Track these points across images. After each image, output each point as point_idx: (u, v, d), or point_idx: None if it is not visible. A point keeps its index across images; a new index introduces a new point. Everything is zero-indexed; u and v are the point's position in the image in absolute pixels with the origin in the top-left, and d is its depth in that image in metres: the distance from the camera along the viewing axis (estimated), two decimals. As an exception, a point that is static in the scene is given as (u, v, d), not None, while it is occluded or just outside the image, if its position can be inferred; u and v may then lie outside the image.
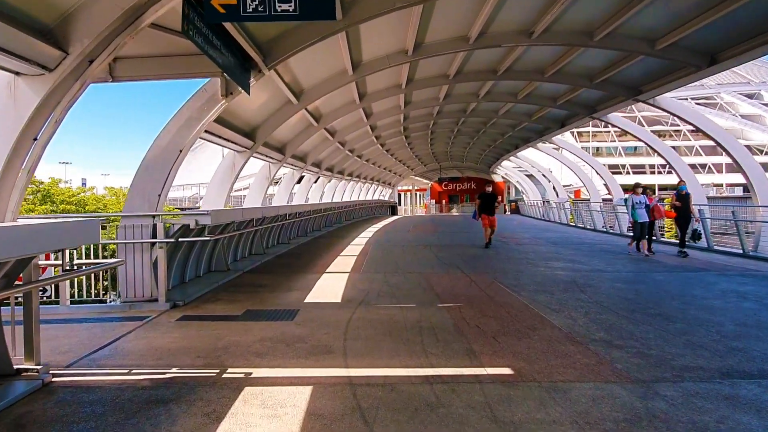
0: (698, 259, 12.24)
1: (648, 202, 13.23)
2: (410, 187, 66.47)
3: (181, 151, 7.20)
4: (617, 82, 15.05)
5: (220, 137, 10.42)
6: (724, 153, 16.75)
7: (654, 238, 14.94)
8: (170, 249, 7.84)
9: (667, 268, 10.68)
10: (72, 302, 7.28)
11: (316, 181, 28.17)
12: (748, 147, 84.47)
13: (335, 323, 6.19)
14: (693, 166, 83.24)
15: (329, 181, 28.70)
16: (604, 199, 24.51)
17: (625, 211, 20.24)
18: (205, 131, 8.40)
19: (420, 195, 70.78)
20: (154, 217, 7.06)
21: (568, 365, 4.63)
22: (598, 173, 24.28)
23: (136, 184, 7.16)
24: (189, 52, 6.87)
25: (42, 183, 28.66)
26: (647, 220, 13.14)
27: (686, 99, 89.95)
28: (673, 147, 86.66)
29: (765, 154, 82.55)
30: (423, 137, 29.47)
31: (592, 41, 11.17)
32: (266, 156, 14.82)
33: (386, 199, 51.70)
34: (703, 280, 9.32)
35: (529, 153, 34.03)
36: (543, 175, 35.28)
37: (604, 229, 21.79)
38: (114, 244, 7.36)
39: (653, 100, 15.45)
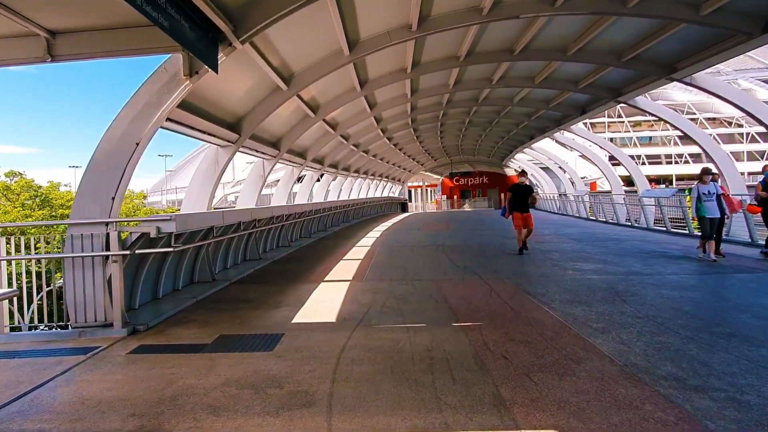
0: None
1: (721, 192, 10.80)
2: (420, 183, 65.08)
3: (137, 143, 5.95)
4: (649, 59, 13.46)
5: (193, 128, 9.13)
6: (746, 140, 15.33)
7: (725, 236, 12.83)
8: (133, 262, 6.63)
9: (716, 269, 9.28)
10: (12, 329, 6.09)
11: (319, 179, 26.93)
12: (766, 134, 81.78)
13: (324, 354, 4.92)
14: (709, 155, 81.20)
15: (334, 179, 27.52)
16: (626, 191, 23.01)
17: (652, 203, 18.83)
18: (171, 121, 7.21)
19: (431, 191, 69.38)
20: (107, 224, 5.84)
21: (636, 424, 3.32)
22: (623, 165, 22.73)
23: (85, 185, 5.92)
24: (142, 23, 5.63)
25: (41, 188, 27.75)
26: (717, 215, 10.53)
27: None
28: (689, 136, 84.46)
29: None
30: (432, 130, 28.11)
31: (626, 8, 9.87)
32: (257, 151, 13.47)
33: (396, 195, 50.39)
34: (765, 283, 7.93)
35: (544, 144, 32.54)
36: (559, 167, 33.74)
37: (629, 223, 20.31)
38: (58, 258, 6.15)
39: (690, 78, 13.65)
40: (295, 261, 12.26)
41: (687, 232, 15.45)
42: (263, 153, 13.86)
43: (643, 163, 78.39)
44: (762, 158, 77.77)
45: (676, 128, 17.08)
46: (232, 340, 5.53)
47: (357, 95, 14.69)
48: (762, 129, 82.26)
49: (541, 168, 38.67)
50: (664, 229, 16.99)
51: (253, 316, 6.58)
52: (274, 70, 10.11)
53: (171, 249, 6.36)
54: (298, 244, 15.73)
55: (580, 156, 43.48)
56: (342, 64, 11.09)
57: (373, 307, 6.93)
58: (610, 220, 22.45)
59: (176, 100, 6.16)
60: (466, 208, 54.03)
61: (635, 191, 28.79)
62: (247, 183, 14.59)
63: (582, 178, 47.56)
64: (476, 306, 6.81)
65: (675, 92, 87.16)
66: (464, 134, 29.29)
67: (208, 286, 8.55)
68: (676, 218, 16.77)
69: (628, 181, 72.02)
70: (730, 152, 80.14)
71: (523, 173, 13.46)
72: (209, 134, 9.95)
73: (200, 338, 5.60)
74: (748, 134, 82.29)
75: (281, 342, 5.38)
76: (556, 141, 27.54)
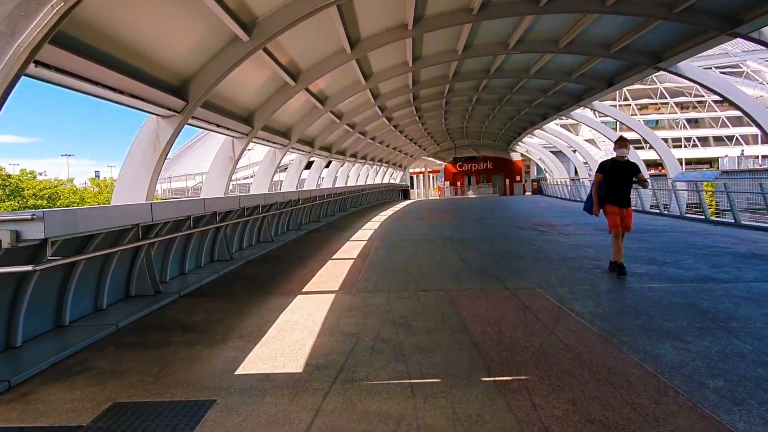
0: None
1: None
2: (423, 169, 62.86)
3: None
4: (636, 50, 13.50)
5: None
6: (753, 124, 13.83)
7: None
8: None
9: (810, 272, 7.17)
10: None
11: (327, 166, 25.28)
12: (778, 116, 79.76)
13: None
14: (719, 139, 78.97)
15: (342, 165, 25.73)
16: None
17: (685, 187, 16.66)
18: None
19: (433, 177, 67.24)
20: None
21: None
22: (654, 147, 20.50)
23: None
24: None
25: (10, 177, 25.63)
26: None
27: (711, 68, 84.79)
28: (696, 119, 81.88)
29: (797, 123, 77.54)
30: (437, 109, 26.10)
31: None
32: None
33: (397, 182, 48.22)
34: None
35: (557, 126, 30.29)
36: (573, 150, 31.49)
37: (656, 211, 18.15)
38: None
39: (675, 67, 12.89)
40: (273, 262, 10.14)
41: (734, 221, 13.29)
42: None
43: (651, 147, 76.02)
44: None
45: (715, 92, 14.79)
46: (128, 414, 3.41)
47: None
48: None
49: (552, 152, 36.40)
50: (702, 218, 14.83)
51: (182, 360, 4.45)
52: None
53: (31, 268, 4.08)
54: (283, 239, 13.60)
55: (586, 141, 41.26)
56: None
57: (362, 340, 4.81)
58: (634, 207, 20.28)
59: (44, 29, 3.94)
60: (470, 194, 51.89)
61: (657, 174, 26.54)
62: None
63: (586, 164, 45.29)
64: (511, 338, 4.69)
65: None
66: (470, 114, 27.05)
67: (144, 303, 6.43)
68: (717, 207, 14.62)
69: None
70: (740, 135, 78.10)
71: (621, 142, 7.79)
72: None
73: (78, 412, 3.48)
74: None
75: (204, 422, 3.27)
76: (575, 120, 25.33)
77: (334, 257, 10.39)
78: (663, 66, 11.87)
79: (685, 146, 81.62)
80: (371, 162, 32.95)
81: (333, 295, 6.82)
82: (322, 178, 28.07)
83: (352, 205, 27.96)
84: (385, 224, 17.98)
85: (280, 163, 16.08)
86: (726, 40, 11.88)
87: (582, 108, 22.81)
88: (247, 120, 12.46)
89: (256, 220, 12.40)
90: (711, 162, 72.27)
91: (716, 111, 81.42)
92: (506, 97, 20.46)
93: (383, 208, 28.85)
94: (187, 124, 9.38)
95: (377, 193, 36.06)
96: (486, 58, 14.80)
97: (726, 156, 60.25)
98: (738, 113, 67.70)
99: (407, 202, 39.21)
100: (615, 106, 78.12)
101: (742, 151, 65.18)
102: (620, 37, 11.46)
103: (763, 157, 64.67)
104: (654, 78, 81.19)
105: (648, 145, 20.15)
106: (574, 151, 31.89)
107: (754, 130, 77.65)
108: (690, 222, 14.83)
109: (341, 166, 29.18)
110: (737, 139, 77.03)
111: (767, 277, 6.90)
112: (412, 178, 66.15)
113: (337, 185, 27.75)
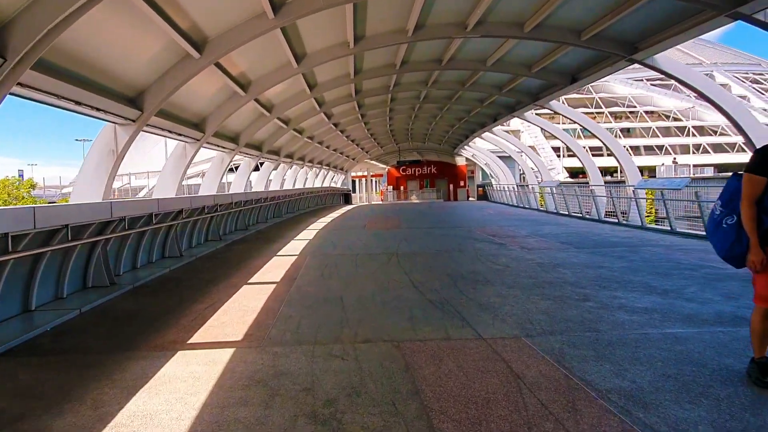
0: None
1: None
2: (365, 173, 60.90)
3: None
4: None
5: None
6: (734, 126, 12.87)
7: None
8: None
9: None
10: None
11: (276, 168, 23.53)
12: (701, 127, 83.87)
13: None
14: (649, 148, 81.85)
15: (290, 168, 23.87)
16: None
17: (646, 196, 15.56)
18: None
19: (376, 181, 65.49)
20: None
21: None
22: (578, 156, 19.56)
23: None
24: None
25: None
26: None
27: (642, 79, 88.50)
28: (628, 128, 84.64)
29: (719, 135, 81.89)
30: (381, 116, 25.61)
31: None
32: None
33: (338, 186, 46.02)
34: None
35: (505, 131, 29.14)
36: (520, 152, 30.43)
37: (615, 220, 16.99)
38: None
39: (651, 60, 11.78)
40: (166, 289, 7.77)
41: (706, 233, 12.07)
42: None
43: (609, 154, 77.43)
44: (698, 151, 78.95)
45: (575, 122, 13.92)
46: None
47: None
48: (698, 123, 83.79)
49: (499, 157, 35.37)
50: (668, 228, 13.64)
51: None
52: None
53: None
54: (197, 253, 11.19)
55: (529, 147, 40.72)
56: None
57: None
58: (587, 216, 19.12)
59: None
60: (414, 199, 50.44)
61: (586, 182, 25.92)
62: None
63: (535, 170, 44.93)
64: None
65: (616, 85, 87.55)
66: (417, 114, 25.30)
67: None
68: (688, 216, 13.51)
69: (572, 173, 70.64)
70: (669, 145, 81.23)
71: None
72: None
73: None
74: (684, 128, 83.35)
75: None
76: (507, 131, 24.11)
77: (250, 281, 8.15)
78: (639, 58, 10.53)
79: (657, 154, 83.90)
80: (311, 164, 30.62)
81: (231, 351, 4.63)
82: (270, 180, 25.92)
83: (290, 210, 25.57)
84: (322, 233, 15.81)
85: (228, 166, 15.98)
86: (626, 64, 11.50)
87: (532, 111, 21.62)
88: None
89: (158, 232, 9.95)
90: (643, 171, 74.69)
91: (647, 121, 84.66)
92: (457, 93, 18.87)
93: (323, 213, 26.62)
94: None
95: (317, 197, 33.74)
96: (439, 47, 13.12)
97: (663, 164, 62.08)
98: (666, 124, 70.08)
99: (349, 207, 37.08)
100: (555, 115, 79.51)
101: (674, 159, 67.60)
102: (593, 22, 10.00)
103: (695, 165, 67.27)
104: (590, 88, 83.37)
105: (607, 152, 19.10)
106: (521, 154, 30.87)
107: (684, 140, 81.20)
108: (654, 233, 13.59)
109: (289, 168, 27.05)
110: (666, 148, 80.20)
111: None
112: (354, 182, 64.17)
113: (273, 188, 25.32)
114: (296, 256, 10.74)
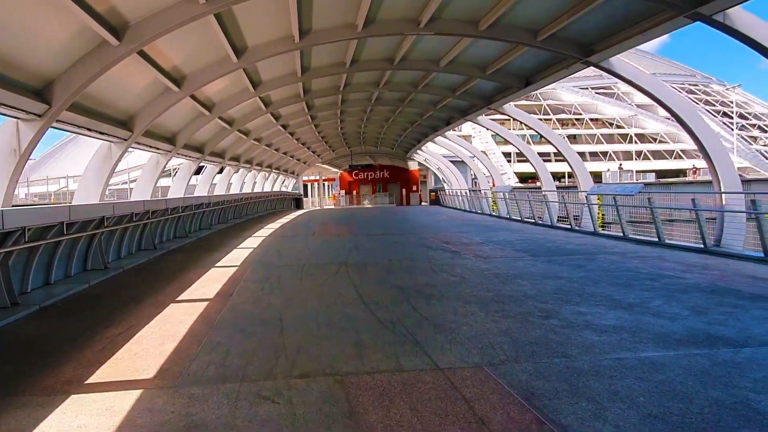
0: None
1: None
2: (317, 177, 59.81)
3: None
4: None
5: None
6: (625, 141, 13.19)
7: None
8: None
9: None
10: None
11: (220, 171, 22.44)
12: (642, 135, 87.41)
13: None
14: (594, 154, 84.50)
15: (236, 171, 22.70)
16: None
17: (603, 201, 15.49)
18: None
19: (328, 185, 64.50)
20: None
21: None
22: (530, 161, 19.41)
23: None
24: None
25: None
26: None
27: (587, 88, 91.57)
28: (574, 135, 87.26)
29: (658, 142, 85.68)
30: (332, 117, 25.05)
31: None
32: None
33: (289, 190, 44.81)
34: None
35: (457, 136, 28.97)
36: (472, 157, 30.32)
37: (567, 226, 16.88)
38: None
39: (606, 63, 11.29)
40: (79, 310, 6.76)
41: (658, 239, 11.98)
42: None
43: (559, 160, 79.16)
44: (639, 158, 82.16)
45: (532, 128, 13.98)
46: None
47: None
48: (639, 130, 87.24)
49: (451, 161, 35.21)
50: (621, 235, 13.53)
51: None
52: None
53: None
54: (127, 264, 10.11)
55: (482, 152, 40.90)
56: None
57: None
58: (540, 221, 19.00)
59: None
60: (367, 204, 49.80)
61: (539, 187, 26.10)
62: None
63: (487, 175, 45.21)
64: None
65: (563, 93, 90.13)
66: (369, 117, 24.63)
67: None
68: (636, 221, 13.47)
69: (522, 178, 71.88)
70: (613, 151, 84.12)
71: None
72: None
73: None
74: (627, 135, 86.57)
75: None
76: (483, 125, 23.93)
77: (180, 298, 7.24)
78: (594, 60, 10.28)
79: (601, 159, 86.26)
80: (259, 167, 29.43)
81: (137, 394, 3.79)
82: (214, 184, 24.67)
83: (236, 216, 24.39)
84: (268, 241, 14.90)
85: (164, 169, 14.67)
86: (582, 67, 11.24)
87: (487, 116, 21.41)
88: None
89: (79, 241, 8.85)
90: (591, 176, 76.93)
91: (592, 128, 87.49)
92: (410, 95, 18.32)
93: (271, 219, 25.56)
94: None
95: (267, 202, 32.54)
96: (391, 45, 12.53)
97: (608, 170, 64.01)
98: (609, 131, 72.53)
99: (300, 212, 36.06)
100: (505, 120, 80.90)
101: (620, 165, 69.90)
102: (550, 21, 9.64)
103: (637, 171, 69.75)
104: (538, 95, 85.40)
105: (556, 157, 19.00)
106: (474, 159, 30.77)
107: (627, 146, 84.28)
108: (607, 240, 13.45)
109: (235, 172, 25.89)
110: (610, 154, 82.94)
111: (780, 331, 4.99)
112: (306, 186, 63.02)
113: (218, 192, 24.06)
114: (236, 268, 9.85)
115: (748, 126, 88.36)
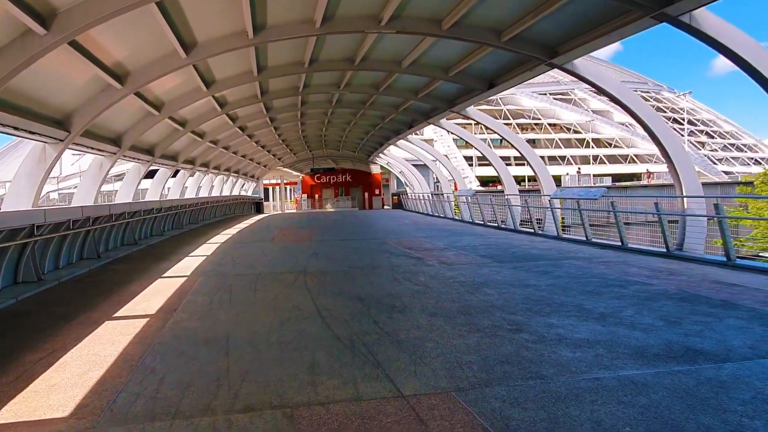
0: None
1: None
2: (279, 181, 58.68)
3: None
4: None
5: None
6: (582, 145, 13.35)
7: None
8: None
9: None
10: None
11: (174, 175, 21.41)
12: (598, 140, 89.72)
13: None
14: (552, 158, 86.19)
15: (192, 175, 21.60)
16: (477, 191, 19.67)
17: (565, 205, 15.43)
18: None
19: (290, 189, 63.42)
20: None
21: None
22: (493, 165, 19.36)
23: None
24: None
25: None
26: None
27: (545, 94, 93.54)
28: (533, 139, 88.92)
29: (613, 147, 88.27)
30: (293, 129, 25.00)
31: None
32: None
33: (249, 194, 43.71)
34: None
35: (420, 139, 28.74)
36: (434, 160, 30.14)
37: (530, 230, 16.77)
38: None
39: (570, 65, 10.88)
40: (-2, 330, 6.00)
41: (621, 244, 11.92)
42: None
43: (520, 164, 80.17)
44: (596, 162, 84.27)
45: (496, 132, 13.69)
46: None
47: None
48: (596, 135, 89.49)
49: (414, 165, 34.98)
50: (584, 239, 13.45)
51: None
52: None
53: None
54: (65, 275, 9.25)
55: (445, 155, 40.89)
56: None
57: None
58: (503, 225, 18.86)
59: None
60: (329, 208, 49.11)
61: (501, 191, 26.16)
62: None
63: (449, 179, 45.25)
64: None
65: (523, 98, 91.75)
66: (330, 119, 24.04)
67: None
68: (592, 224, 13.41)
69: (483, 181, 72.56)
70: (571, 156, 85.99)
71: None
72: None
73: None
74: (584, 140, 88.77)
75: None
76: (446, 127, 23.80)
77: (117, 314, 6.55)
78: (558, 62, 10.10)
79: (526, 164, 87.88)
80: (216, 171, 28.41)
81: (44, 440, 3.19)
82: (168, 188, 23.59)
83: (192, 221, 23.39)
84: (223, 248, 14.15)
85: (108, 172, 13.57)
86: (546, 69, 11.25)
87: (451, 120, 21.23)
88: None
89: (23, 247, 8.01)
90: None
91: (551, 133, 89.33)
92: (372, 98, 17.86)
93: (229, 224, 24.64)
94: None
95: (225, 207, 31.49)
96: (351, 44, 12.06)
97: (567, 174, 65.30)
98: (567, 136, 74.12)
99: (260, 216, 35.10)
100: (466, 125, 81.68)
101: (579, 169, 71.45)
102: (514, 22, 9.37)
103: (595, 175, 71.43)
104: (499, 100, 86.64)
105: (516, 161, 18.91)
106: (436, 162, 30.60)
107: (584, 151, 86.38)
108: (571, 244, 13.35)
109: (191, 175, 24.80)
110: (568, 159, 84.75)
111: (762, 345, 4.76)
112: (267, 190, 61.78)
113: (173, 196, 23.01)
114: (186, 278, 9.16)
115: (696, 132, 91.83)
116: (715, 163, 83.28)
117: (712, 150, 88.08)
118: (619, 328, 5.33)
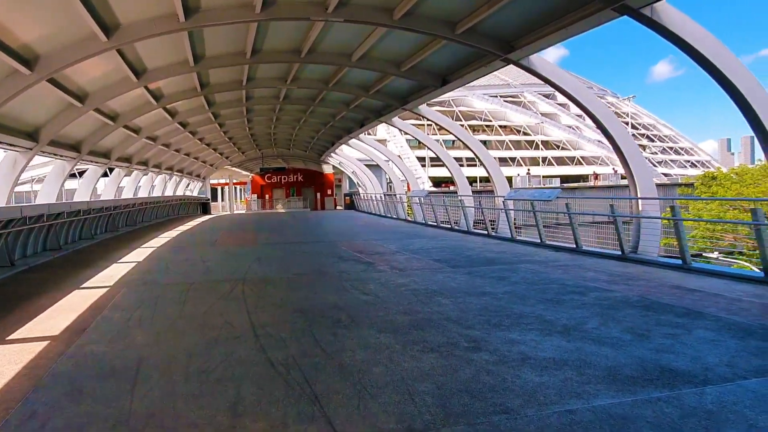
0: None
1: None
2: (227, 180, 56.73)
3: None
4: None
5: None
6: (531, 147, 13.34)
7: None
8: None
9: None
10: None
11: (105, 175, 19.89)
12: (546, 142, 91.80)
13: None
14: (503, 160, 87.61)
15: (129, 174, 20.08)
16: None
17: (519, 207, 15.15)
18: None
19: (240, 189, 61.54)
20: None
21: None
22: (446, 165, 19.05)
23: None
24: None
25: None
26: None
27: (496, 96, 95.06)
28: (485, 141, 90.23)
29: (561, 149, 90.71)
30: (240, 126, 23.95)
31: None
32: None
33: (195, 194, 41.91)
34: None
35: (373, 139, 28.10)
36: (391, 163, 29.61)
37: (485, 232, 16.42)
38: None
39: (526, 60, 10.50)
40: None
41: (576, 246, 11.65)
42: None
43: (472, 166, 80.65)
44: (544, 163, 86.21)
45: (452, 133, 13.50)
46: None
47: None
48: (545, 137, 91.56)
49: (366, 165, 34.33)
50: (538, 241, 13.16)
51: None
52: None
53: None
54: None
55: (398, 156, 40.44)
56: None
57: None
58: (456, 227, 18.48)
59: None
60: (280, 208, 47.78)
61: (455, 192, 25.92)
62: None
63: (402, 179, 44.82)
64: None
65: (474, 100, 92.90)
66: (278, 117, 23.02)
67: None
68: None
69: (436, 182, 72.77)
70: (521, 157, 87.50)
71: None
72: None
73: None
74: (533, 142, 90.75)
75: None
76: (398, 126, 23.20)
77: (12, 337, 5.56)
78: (514, 57, 9.67)
79: (473, 165, 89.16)
80: (157, 169, 26.83)
81: None
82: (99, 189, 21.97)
83: (129, 223, 21.90)
84: (158, 253, 13.05)
85: (23, 170, 12.24)
86: (502, 65, 10.86)
87: (407, 120, 20.68)
88: None
89: None
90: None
91: (501, 135, 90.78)
92: (321, 94, 17.00)
93: (171, 226, 23.26)
94: None
95: (168, 207, 29.87)
96: (297, 33, 11.26)
97: (518, 175, 66.30)
98: (517, 138, 75.26)
99: (206, 217, 33.58)
100: (420, 125, 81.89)
101: (528, 171, 72.75)
102: (469, 13, 8.84)
103: (544, 177, 72.96)
104: (450, 101, 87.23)
105: (468, 162, 18.58)
106: (389, 162, 30.07)
107: (533, 153, 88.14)
108: (525, 246, 13.03)
109: (127, 175, 23.21)
110: (518, 160, 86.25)
111: (739, 362, 4.36)
112: (216, 190, 59.71)
113: (106, 197, 21.41)
114: (107, 289, 8.14)
115: (638, 135, 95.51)
116: (655, 166, 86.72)
117: (652, 153, 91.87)
118: (586, 343, 4.83)
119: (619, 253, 10.50)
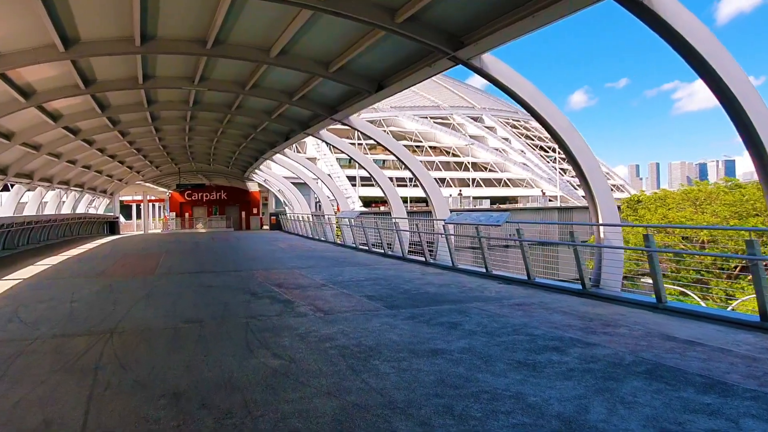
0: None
1: None
2: (142, 197, 52.19)
3: None
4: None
5: None
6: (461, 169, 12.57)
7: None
8: None
9: None
10: None
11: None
12: (475, 163, 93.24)
13: None
14: (437, 180, 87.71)
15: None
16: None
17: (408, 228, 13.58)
18: None
19: (159, 207, 56.98)
20: None
21: None
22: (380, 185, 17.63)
23: None
24: None
25: None
26: None
27: (426, 117, 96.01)
28: (384, 161, 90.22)
29: (488, 171, 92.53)
30: (148, 137, 21.27)
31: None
32: None
33: (100, 212, 37.74)
34: None
35: (301, 156, 26.01)
36: (319, 182, 27.57)
37: (422, 259, 14.76)
38: None
39: (478, 60, 8.74)
40: None
41: (528, 278, 10.18)
42: None
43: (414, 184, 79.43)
44: (473, 185, 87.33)
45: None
46: None
47: None
48: (473, 159, 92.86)
49: (294, 184, 32.08)
50: (483, 270, 11.63)
51: None
52: None
53: None
54: None
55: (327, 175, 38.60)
56: None
57: None
58: (390, 252, 16.71)
59: None
60: (201, 228, 44.27)
61: (388, 213, 24.33)
62: None
63: (331, 199, 42.84)
64: None
65: (405, 121, 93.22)
66: (192, 127, 20.40)
67: None
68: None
69: (365, 202, 71.31)
70: (450, 178, 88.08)
71: None
72: None
73: None
74: (462, 163, 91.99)
75: None
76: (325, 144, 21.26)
77: None
78: (464, 56, 8.08)
79: (406, 185, 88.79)
80: (48, 184, 23.26)
81: None
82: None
83: (8, 246, 18.46)
84: (18, 289, 10.28)
85: None
86: (449, 64, 9.76)
87: (327, 129, 18.81)
88: None
89: None
90: (429, 202, 79.53)
91: (432, 156, 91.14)
92: (238, 99, 14.66)
93: (58, 250, 19.90)
94: None
95: (62, 227, 26.15)
96: (199, 23, 9.10)
97: (450, 196, 66.10)
98: (446, 159, 75.54)
99: (110, 238, 29.93)
100: (353, 143, 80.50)
101: (460, 191, 72.97)
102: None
103: (474, 198, 73.46)
104: (381, 121, 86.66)
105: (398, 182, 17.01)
106: (317, 181, 28.06)
107: (463, 174, 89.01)
108: (469, 276, 11.46)
109: (30, 190, 19.65)
110: (448, 181, 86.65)
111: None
112: (129, 207, 54.92)
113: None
114: None
115: (560, 159, 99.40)
116: (576, 189, 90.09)
117: (572, 176, 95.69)
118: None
119: (580, 287, 9.11)
